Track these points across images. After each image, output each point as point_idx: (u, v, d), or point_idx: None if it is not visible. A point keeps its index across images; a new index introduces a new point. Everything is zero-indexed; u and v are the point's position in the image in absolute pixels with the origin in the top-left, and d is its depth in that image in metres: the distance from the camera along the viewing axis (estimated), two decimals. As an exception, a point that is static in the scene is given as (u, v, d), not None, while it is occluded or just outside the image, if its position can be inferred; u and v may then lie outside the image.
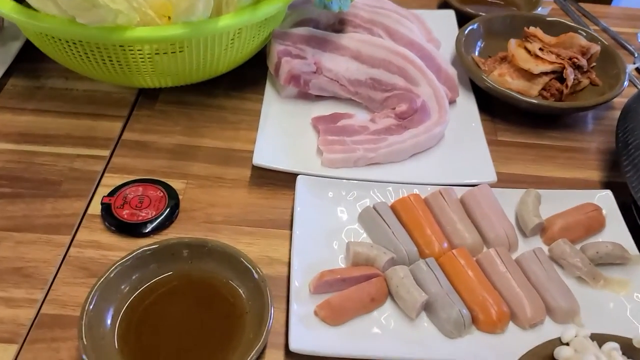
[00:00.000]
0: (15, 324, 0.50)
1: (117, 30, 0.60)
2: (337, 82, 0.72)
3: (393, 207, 0.59)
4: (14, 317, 0.50)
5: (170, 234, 0.58)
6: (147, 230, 0.58)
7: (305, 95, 0.74)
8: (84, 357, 0.44)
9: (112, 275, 0.49)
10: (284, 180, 0.64)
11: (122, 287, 0.49)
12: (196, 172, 0.65)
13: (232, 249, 0.52)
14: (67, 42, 0.62)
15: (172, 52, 0.64)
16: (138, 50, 0.63)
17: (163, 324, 0.49)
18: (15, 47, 0.76)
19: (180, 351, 0.48)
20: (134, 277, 0.50)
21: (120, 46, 0.62)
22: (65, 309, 0.51)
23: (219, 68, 0.71)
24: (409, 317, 0.51)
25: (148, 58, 0.64)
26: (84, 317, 0.46)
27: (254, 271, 0.50)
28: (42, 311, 0.51)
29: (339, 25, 0.81)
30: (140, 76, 0.67)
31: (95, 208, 0.60)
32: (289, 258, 0.57)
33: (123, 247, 0.57)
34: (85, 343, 0.44)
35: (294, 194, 0.62)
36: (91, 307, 0.47)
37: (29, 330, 0.50)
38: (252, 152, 0.67)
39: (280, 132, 0.68)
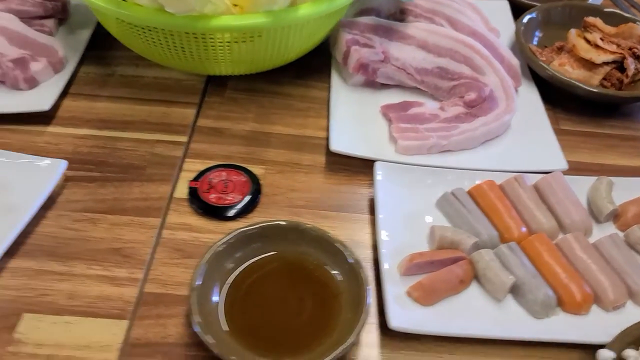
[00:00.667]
0: (122, 301, 0.52)
1: (204, 19, 0.61)
2: (404, 70, 0.74)
3: (470, 194, 0.61)
4: (120, 294, 0.53)
5: (255, 218, 0.61)
6: (233, 214, 0.60)
7: (371, 84, 0.75)
8: (198, 329, 0.46)
9: (219, 251, 0.51)
10: (358, 167, 0.66)
11: (226, 264, 0.52)
12: (273, 158, 0.67)
13: (323, 232, 0.54)
14: (149, 30, 0.64)
15: (250, 40, 0.66)
16: (218, 38, 0.65)
17: (264, 303, 0.51)
18: (84, 35, 0.78)
19: (283, 329, 0.50)
20: (236, 255, 0.52)
21: (202, 35, 0.64)
22: (166, 288, 0.54)
23: (290, 56, 0.73)
24: (495, 299, 0.54)
25: (227, 46, 0.66)
26: (194, 292, 0.48)
27: (347, 254, 0.52)
28: (145, 290, 0.53)
29: (400, 14, 0.82)
30: (216, 64, 0.69)
31: (181, 192, 0.62)
32: (372, 242, 0.59)
33: (213, 230, 0.59)
34: (199, 319, 0.46)
35: (368, 179, 0.64)
36: (199, 283, 0.49)
37: (135, 307, 0.52)
38: (324, 138, 0.69)
39: (352, 119, 0.70)
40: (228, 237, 0.52)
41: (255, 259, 0.53)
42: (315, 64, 0.79)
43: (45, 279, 0.53)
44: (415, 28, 0.76)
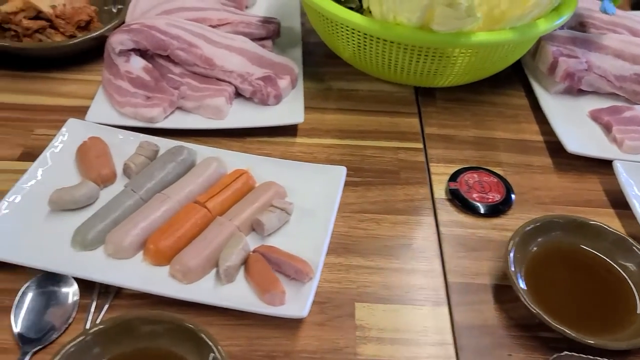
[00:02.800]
0: (433, 290, 0.58)
1: (464, 35, 0.67)
2: (605, 78, 0.80)
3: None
4: (429, 284, 0.58)
5: (516, 214, 0.66)
6: (495, 210, 0.66)
7: (569, 91, 0.81)
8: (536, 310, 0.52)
9: (526, 232, 0.57)
10: (585, 166, 0.72)
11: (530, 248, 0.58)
12: (506, 161, 0.73)
13: (608, 227, 0.59)
14: (383, 48, 0.71)
15: (475, 54, 0.72)
16: (455, 53, 0.71)
17: (564, 287, 0.57)
18: (297, 53, 0.85)
19: (586, 312, 0.56)
20: (539, 240, 0.59)
21: (440, 50, 0.70)
22: (465, 278, 0.59)
23: (501, 67, 0.79)
24: None
25: (456, 60, 0.72)
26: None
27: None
28: (448, 279, 0.59)
29: (580, 27, 0.88)
30: (441, 77, 0.76)
31: (438, 192, 0.68)
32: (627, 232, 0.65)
33: (483, 226, 0.64)
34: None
35: (598, 177, 0.70)
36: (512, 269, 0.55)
37: (448, 295, 0.58)
38: (542, 142, 0.76)
39: (569, 123, 0.76)
40: (535, 223, 0.58)
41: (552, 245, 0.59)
42: (501, 74, 0.85)
43: (359, 272, 0.59)
44: (610, 39, 0.82)
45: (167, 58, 0.76)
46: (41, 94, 0.78)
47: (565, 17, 0.74)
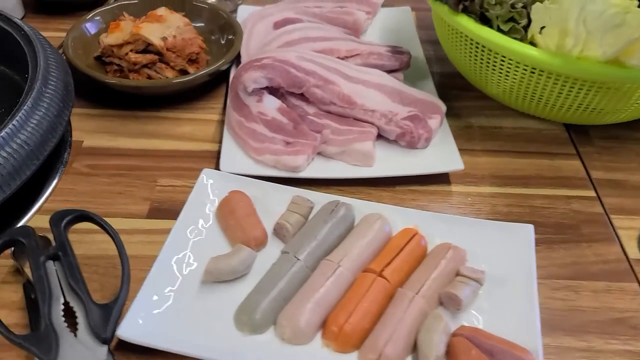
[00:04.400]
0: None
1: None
2: None
3: None
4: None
5: None
6: None
7: None
8: None
9: None
10: None
11: None
12: (695, 210, 0.64)
13: None
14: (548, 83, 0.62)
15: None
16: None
17: None
18: (430, 86, 0.76)
19: None
20: None
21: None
22: (700, 363, 0.50)
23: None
24: None
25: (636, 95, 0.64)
26: None
27: None
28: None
29: None
30: (614, 114, 0.67)
31: (632, 252, 0.59)
32: None
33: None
34: None
35: None
36: None
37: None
38: None
39: None
40: None
41: None
42: None
43: (576, 357, 0.50)
44: None
45: (300, 96, 0.67)
46: (156, 137, 0.69)
47: None
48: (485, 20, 0.65)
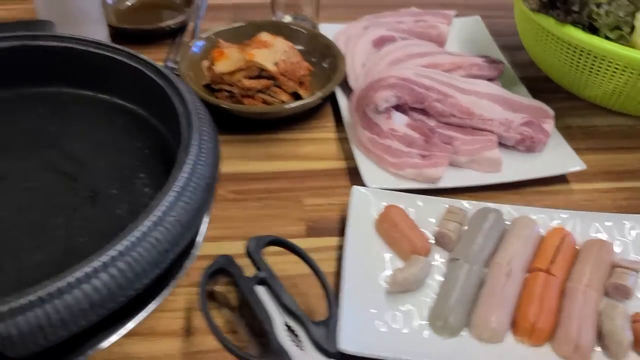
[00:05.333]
0: None
1: None
2: None
3: None
4: None
5: None
6: None
7: None
8: None
9: None
10: None
11: None
12: None
13: None
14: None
15: None
16: None
17: None
18: (524, 91, 0.81)
19: None
20: None
21: None
22: None
23: None
24: None
25: None
26: None
27: None
28: None
29: None
30: None
31: None
32: None
33: None
34: None
35: None
36: None
37: None
38: None
39: None
40: None
41: None
42: None
43: None
44: None
45: (420, 111, 0.71)
46: (283, 159, 0.72)
47: None
48: (591, 29, 0.70)
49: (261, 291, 0.51)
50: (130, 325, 0.47)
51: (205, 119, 0.57)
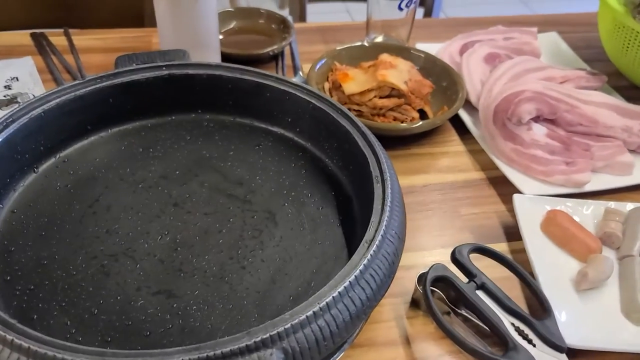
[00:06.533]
0: None
1: None
2: None
3: None
4: None
5: None
6: None
7: None
8: None
9: None
10: None
11: None
12: None
13: None
14: None
15: None
16: None
17: None
18: (621, 99, 0.87)
19: None
20: None
21: None
22: None
23: None
24: None
25: None
26: None
27: None
28: None
29: None
30: None
31: None
32: None
33: None
34: None
35: None
36: None
37: None
38: None
39: None
40: None
41: None
42: None
43: None
44: None
45: (549, 121, 0.77)
46: (424, 173, 0.76)
47: None
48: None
49: (482, 295, 0.54)
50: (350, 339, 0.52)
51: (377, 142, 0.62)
